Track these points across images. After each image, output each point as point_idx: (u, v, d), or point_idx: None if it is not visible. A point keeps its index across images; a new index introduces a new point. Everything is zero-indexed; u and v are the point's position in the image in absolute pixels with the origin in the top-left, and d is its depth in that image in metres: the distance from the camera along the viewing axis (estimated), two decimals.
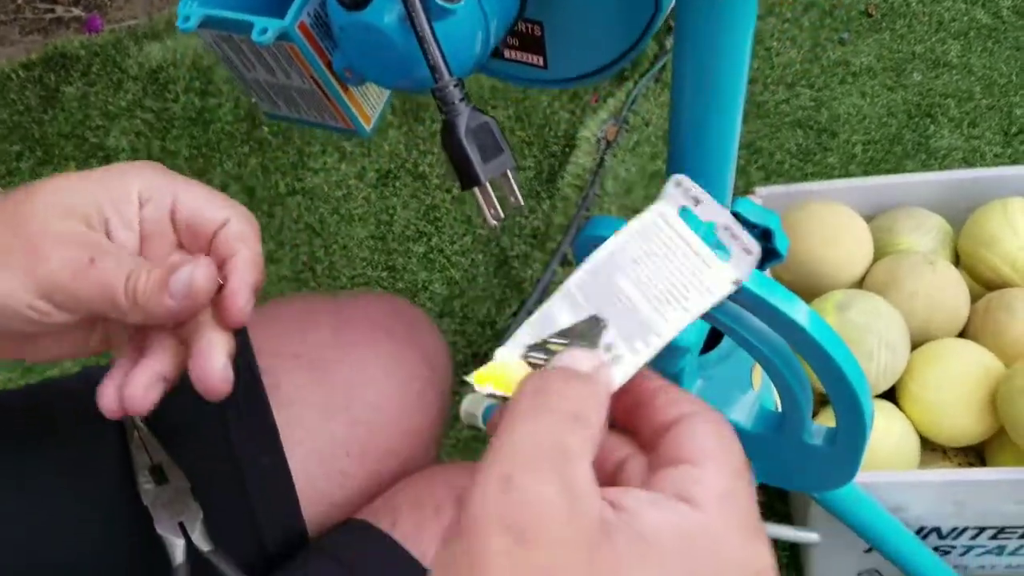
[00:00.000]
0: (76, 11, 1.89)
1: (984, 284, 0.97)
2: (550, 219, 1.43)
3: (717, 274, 0.34)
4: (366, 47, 0.44)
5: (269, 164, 1.54)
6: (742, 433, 0.54)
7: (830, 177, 1.40)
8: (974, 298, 0.95)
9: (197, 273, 0.39)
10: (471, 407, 1.20)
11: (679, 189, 0.35)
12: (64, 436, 0.54)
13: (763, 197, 1.02)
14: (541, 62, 0.55)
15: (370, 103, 0.51)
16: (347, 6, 0.42)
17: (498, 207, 0.42)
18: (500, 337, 1.31)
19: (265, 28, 0.45)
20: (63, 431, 0.54)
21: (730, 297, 0.49)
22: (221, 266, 0.41)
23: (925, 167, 1.38)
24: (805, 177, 1.40)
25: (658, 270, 0.34)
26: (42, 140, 1.62)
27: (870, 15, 1.57)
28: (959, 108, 1.44)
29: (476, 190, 0.42)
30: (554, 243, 1.39)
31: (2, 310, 0.38)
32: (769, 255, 0.67)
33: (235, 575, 0.51)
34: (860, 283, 0.98)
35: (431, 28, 0.41)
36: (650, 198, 1.44)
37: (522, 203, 0.42)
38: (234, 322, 0.41)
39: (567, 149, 1.50)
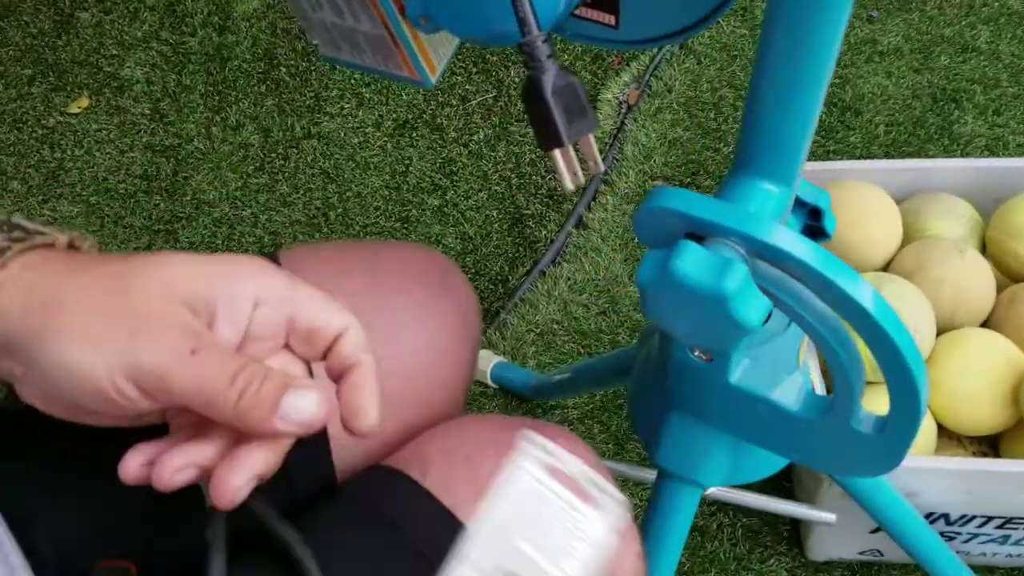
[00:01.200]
0: None
1: (1010, 275, 0.97)
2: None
3: (596, 525, 0.35)
4: None
5: (286, 106, 1.52)
6: (788, 415, 0.54)
7: (852, 156, 1.39)
8: (1000, 288, 0.95)
9: (321, 405, 0.36)
10: (480, 363, 1.20)
11: (534, 446, 0.36)
12: None
13: None
14: (613, 21, 0.54)
15: (438, 53, 0.50)
16: None
17: (578, 169, 0.42)
18: (512, 295, 1.31)
19: None
20: None
21: (793, 275, 0.49)
22: (340, 375, 0.40)
23: (947, 152, 1.37)
24: (827, 155, 1.39)
25: (547, 528, 0.35)
26: (55, 65, 1.58)
27: None
28: (985, 95, 1.43)
29: (557, 152, 0.41)
30: (570, 204, 1.38)
31: (83, 385, 0.36)
32: (817, 233, 0.66)
33: (270, 516, 0.51)
34: (887, 266, 0.97)
35: None
36: (669, 164, 1.42)
37: (602, 168, 0.42)
38: (363, 434, 0.39)
39: None
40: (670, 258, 0.46)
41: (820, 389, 0.86)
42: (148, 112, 1.53)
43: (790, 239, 0.46)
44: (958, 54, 1.48)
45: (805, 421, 0.53)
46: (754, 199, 0.51)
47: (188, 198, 1.44)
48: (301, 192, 1.44)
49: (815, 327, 0.46)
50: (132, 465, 0.38)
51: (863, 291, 0.45)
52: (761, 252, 0.46)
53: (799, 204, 0.62)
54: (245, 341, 0.39)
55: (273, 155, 1.48)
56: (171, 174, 1.47)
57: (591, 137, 0.41)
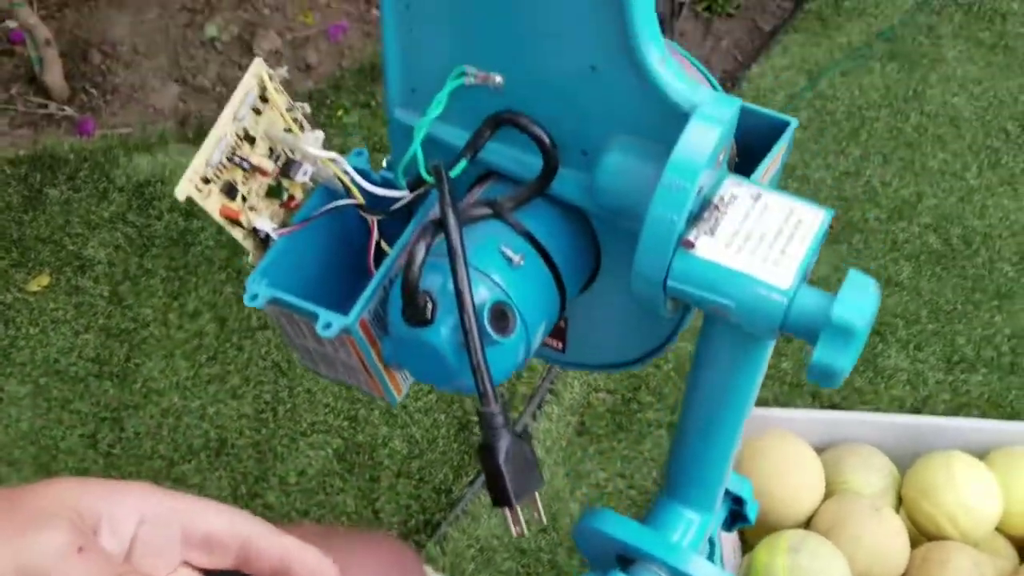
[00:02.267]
0: (69, 110, 1.92)
1: (923, 532, 1.02)
2: (515, 387, 1.46)
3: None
4: (420, 354, 0.48)
5: (244, 293, 1.56)
6: None
7: (783, 382, 1.46)
8: (914, 543, 1.01)
9: None
10: None
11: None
12: None
13: None
14: (561, 347, 0.60)
15: (405, 378, 0.55)
16: (410, 322, 0.46)
17: (523, 524, 0.46)
18: (454, 506, 1.33)
19: (329, 323, 0.48)
20: None
21: None
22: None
23: (872, 384, 1.46)
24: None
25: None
26: (19, 241, 1.62)
27: (830, 227, 1.68)
28: (907, 329, 1.53)
29: (506, 508, 0.45)
30: (517, 412, 1.43)
31: None
32: (738, 518, 0.71)
33: None
34: (808, 521, 1.03)
35: (484, 358, 0.45)
36: (612, 378, 1.47)
37: (545, 522, 0.46)
38: None
39: None
40: None
41: None
42: (107, 294, 1.56)
43: (706, 571, 0.51)
44: (884, 289, 1.59)
45: None
46: (677, 527, 0.56)
47: (138, 385, 1.46)
48: (252, 385, 1.46)
49: None
50: None
51: None
52: None
53: (726, 492, 0.67)
54: (135, 557, 0.41)
55: (227, 344, 1.51)
56: (123, 359, 1.49)
57: (537, 494, 0.46)
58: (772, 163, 0.52)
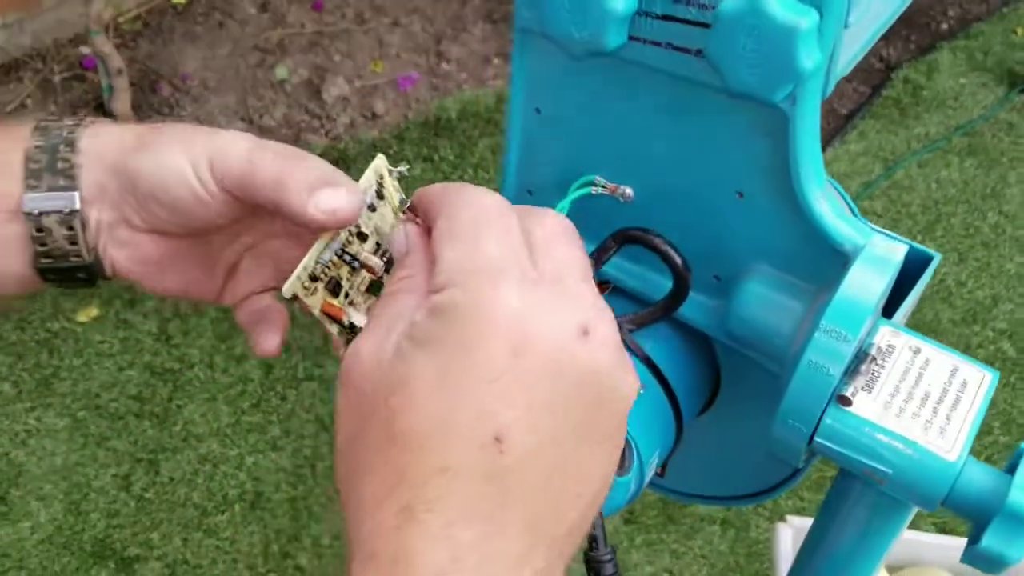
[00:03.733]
0: None
1: None
2: None
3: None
4: None
5: (292, 343, 1.53)
6: None
7: None
8: None
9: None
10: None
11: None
12: None
13: (795, 527, 1.02)
14: (660, 471, 0.55)
15: None
16: None
17: None
18: None
19: None
20: None
21: None
22: None
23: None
24: (825, 481, 1.40)
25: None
26: None
27: None
28: (978, 441, 1.46)
29: None
30: None
31: (172, 180, 0.39)
32: None
33: None
34: None
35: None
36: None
37: None
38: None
39: None
40: None
41: None
42: (155, 331, 1.53)
43: None
44: None
45: None
46: None
47: (178, 428, 1.42)
48: (292, 437, 1.42)
49: None
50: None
51: None
52: None
53: None
54: None
55: (271, 393, 1.47)
56: (166, 399, 1.46)
57: None
58: (912, 303, 0.47)
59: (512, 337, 0.30)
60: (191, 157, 0.39)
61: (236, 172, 0.39)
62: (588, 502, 0.31)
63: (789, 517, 1.04)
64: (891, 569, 1.02)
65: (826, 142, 1.89)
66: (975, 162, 1.84)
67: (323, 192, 0.38)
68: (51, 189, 0.39)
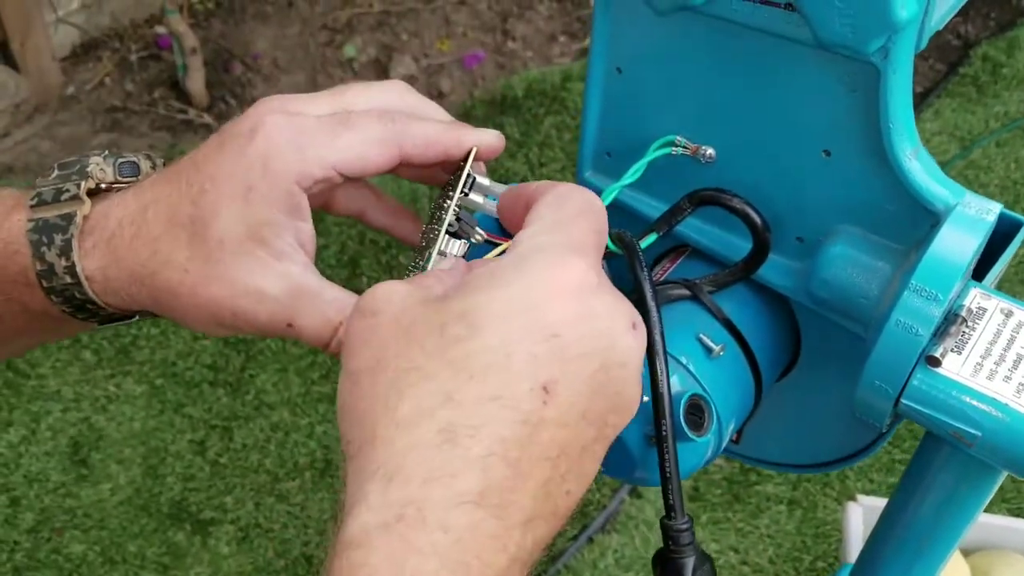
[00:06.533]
0: (208, 118, 1.96)
1: None
2: None
3: None
4: None
5: None
6: None
7: None
8: None
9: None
10: None
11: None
12: None
13: (865, 507, 1.00)
14: (735, 436, 0.55)
15: None
16: None
17: None
18: (555, 560, 1.28)
19: None
20: None
21: None
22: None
23: (1015, 483, 1.35)
24: (893, 464, 1.37)
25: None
26: None
27: None
28: None
29: None
30: None
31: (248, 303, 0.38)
32: None
33: None
34: None
35: (677, 467, 0.41)
36: None
37: None
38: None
39: None
40: None
41: None
42: None
43: None
44: None
45: None
46: None
47: (250, 396, 1.46)
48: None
49: None
50: None
51: None
52: None
53: None
54: None
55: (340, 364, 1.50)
56: (239, 368, 1.49)
57: None
58: (1002, 268, 0.46)
59: (579, 306, 0.32)
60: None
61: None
62: (572, 503, 0.32)
63: (860, 496, 1.03)
64: (965, 552, 1.00)
65: None
66: None
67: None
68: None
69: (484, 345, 0.30)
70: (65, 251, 0.38)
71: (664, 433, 0.39)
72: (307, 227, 0.39)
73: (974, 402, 0.37)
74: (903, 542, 0.46)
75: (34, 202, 0.39)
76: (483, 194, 0.43)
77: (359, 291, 0.36)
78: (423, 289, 0.33)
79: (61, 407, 1.44)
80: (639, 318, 0.34)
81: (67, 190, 0.39)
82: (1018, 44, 1.94)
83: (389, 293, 0.33)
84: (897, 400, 0.38)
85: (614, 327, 0.32)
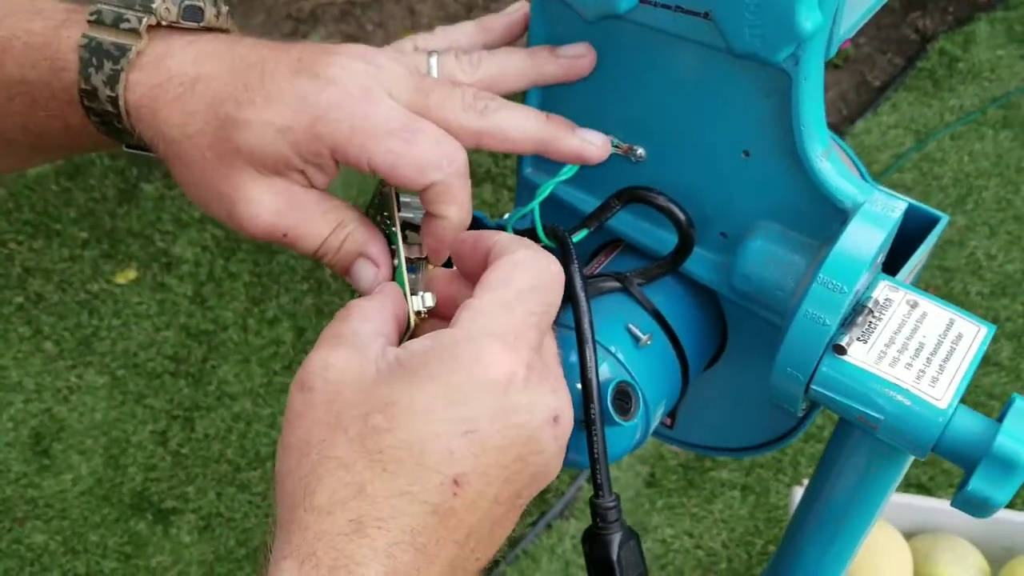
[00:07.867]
0: None
1: None
2: None
3: None
4: None
5: (324, 307, 1.57)
6: None
7: None
8: None
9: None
10: None
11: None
12: None
13: None
14: (668, 422, 0.57)
15: None
16: None
17: None
18: (514, 545, 1.31)
19: None
20: None
21: None
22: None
23: None
24: None
25: None
26: (111, 233, 1.65)
27: None
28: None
29: None
30: None
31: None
32: None
33: None
34: None
35: (604, 448, 0.43)
36: None
37: None
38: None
39: None
40: None
41: None
42: (190, 293, 1.57)
43: None
44: (980, 368, 1.52)
45: None
46: None
47: (212, 387, 1.47)
48: None
49: None
50: None
51: None
52: None
53: None
54: None
55: (302, 355, 1.51)
56: (200, 360, 1.50)
57: None
58: (918, 262, 0.49)
59: (502, 401, 0.34)
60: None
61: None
62: (484, 565, 0.35)
63: (806, 481, 1.06)
64: (907, 535, 1.04)
65: (857, 114, 1.88)
66: (1010, 135, 1.82)
67: None
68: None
69: (400, 440, 0.33)
70: (112, 81, 0.38)
71: (592, 416, 0.42)
72: (323, 178, 0.41)
73: (877, 387, 0.39)
74: (822, 521, 0.49)
75: (93, 18, 0.38)
76: (411, 211, 0.45)
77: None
78: (361, 365, 0.34)
79: (23, 398, 1.44)
80: (565, 410, 0.36)
81: (127, 19, 0.38)
82: (974, 39, 1.98)
83: (325, 368, 0.34)
84: (807, 386, 0.41)
85: (533, 420, 0.34)
